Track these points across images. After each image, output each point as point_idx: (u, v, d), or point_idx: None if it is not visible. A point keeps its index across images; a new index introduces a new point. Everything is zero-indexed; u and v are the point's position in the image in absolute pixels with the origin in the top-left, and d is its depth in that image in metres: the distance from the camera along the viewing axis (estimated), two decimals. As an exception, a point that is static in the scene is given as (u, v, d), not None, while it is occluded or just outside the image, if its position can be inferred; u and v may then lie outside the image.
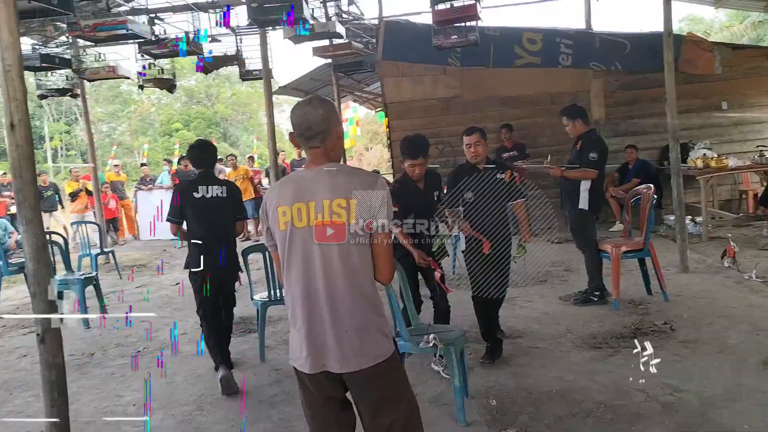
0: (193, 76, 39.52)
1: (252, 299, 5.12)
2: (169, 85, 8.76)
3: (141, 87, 8.72)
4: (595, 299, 5.69)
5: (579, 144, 5.71)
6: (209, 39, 7.23)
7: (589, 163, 5.54)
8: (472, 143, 4.62)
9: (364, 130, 28.76)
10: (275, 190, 2.26)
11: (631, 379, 3.92)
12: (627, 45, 9.78)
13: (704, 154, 8.26)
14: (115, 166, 14.15)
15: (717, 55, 9.55)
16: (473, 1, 6.02)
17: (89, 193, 12.33)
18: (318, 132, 2.20)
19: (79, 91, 8.78)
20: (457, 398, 3.55)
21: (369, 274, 2.21)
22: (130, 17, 5.19)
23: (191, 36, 6.25)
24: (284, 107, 51.46)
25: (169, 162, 14.32)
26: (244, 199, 11.58)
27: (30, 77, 8.64)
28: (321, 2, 5.81)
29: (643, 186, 5.79)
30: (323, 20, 6.71)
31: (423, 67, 10.24)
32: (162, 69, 8.61)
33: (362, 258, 2.18)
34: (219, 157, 15.83)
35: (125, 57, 8.76)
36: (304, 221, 2.15)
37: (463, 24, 7.08)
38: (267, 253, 4.94)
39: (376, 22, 9.83)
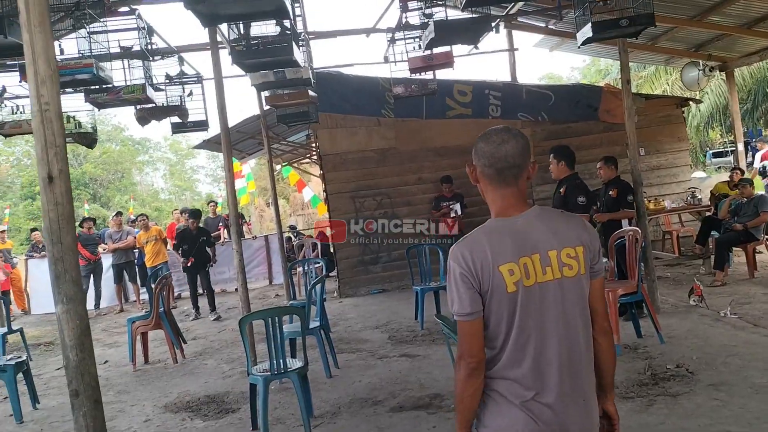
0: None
1: (250, 373, 4.48)
2: (90, 140, 7.88)
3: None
4: None
5: (564, 189, 5.73)
6: (152, 88, 6.60)
7: (578, 207, 5.53)
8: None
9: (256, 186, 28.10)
10: (482, 245, 1.82)
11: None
12: (552, 96, 10.19)
13: (641, 198, 8.62)
14: (1, 232, 12.60)
15: (633, 104, 10.17)
16: (448, 49, 5.92)
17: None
18: (515, 165, 1.88)
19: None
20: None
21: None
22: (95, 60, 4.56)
23: (146, 84, 5.64)
24: (158, 165, 49.69)
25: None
26: (155, 263, 10.84)
27: None
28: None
29: (628, 228, 5.83)
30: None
31: (357, 119, 10.05)
32: (80, 123, 7.75)
33: (588, 309, 1.92)
34: (132, 218, 14.75)
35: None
36: (532, 278, 1.81)
37: (421, 74, 6.98)
38: (270, 319, 4.38)
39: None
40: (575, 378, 1.86)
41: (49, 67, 2.31)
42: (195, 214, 10.02)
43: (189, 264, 9.63)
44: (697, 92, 11.88)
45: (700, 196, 9.03)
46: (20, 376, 5.67)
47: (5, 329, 7.76)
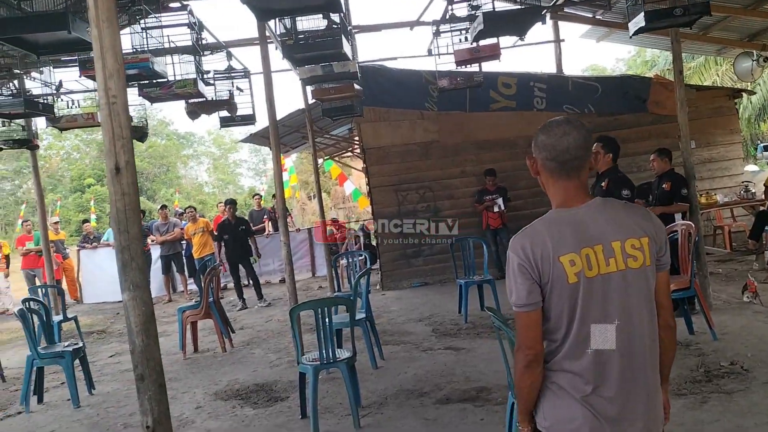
0: (100, 130, 38.02)
1: (299, 362, 4.56)
2: (141, 134, 8.07)
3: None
4: None
5: (606, 182, 5.67)
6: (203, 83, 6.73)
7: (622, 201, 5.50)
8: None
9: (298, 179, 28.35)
10: (542, 235, 1.81)
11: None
12: (599, 88, 10.06)
13: (691, 192, 8.43)
14: (55, 223, 13.01)
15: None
16: (495, 40, 5.88)
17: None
18: (577, 157, 1.86)
19: (38, 143, 7.95)
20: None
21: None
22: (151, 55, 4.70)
23: (197, 79, 5.76)
24: (202, 159, 50.60)
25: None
26: (202, 254, 11.05)
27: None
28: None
29: (681, 222, 5.72)
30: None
31: (400, 112, 10.07)
32: (131, 117, 7.95)
33: (654, 302, 1.88)
34: (178, 210, 15.10)
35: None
36: (595, 269, 1.78)
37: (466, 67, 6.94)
38: (320, 309, 4.43)
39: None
40: (638, 372, 1.83)
41: (116, 61, 2.38)
42: (231, 201, 10.51)
43: (223, 267, 9.87)
44: (750, 83, 11.52)
45: (753, 190, 8.77)
46: (76, 362, 5.87)
47: (60, 317, 8.04)
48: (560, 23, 10.91)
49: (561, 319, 1.82)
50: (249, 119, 8.26)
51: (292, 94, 31.19)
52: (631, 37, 5.73)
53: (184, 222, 12.13)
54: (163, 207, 12.75)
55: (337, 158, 17.84)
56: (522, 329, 1.85)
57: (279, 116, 10.96)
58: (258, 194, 14.75)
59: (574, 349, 1.83)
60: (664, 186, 6.25)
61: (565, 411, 1.84)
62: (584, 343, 1.81)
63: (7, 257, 12.53)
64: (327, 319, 4.41)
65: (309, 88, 7.21)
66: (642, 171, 10.35)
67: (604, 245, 1.79)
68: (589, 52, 57.82)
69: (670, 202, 6.20)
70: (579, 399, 1.82)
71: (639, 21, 5.07)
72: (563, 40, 10.83)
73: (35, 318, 5.88)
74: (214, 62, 7.83)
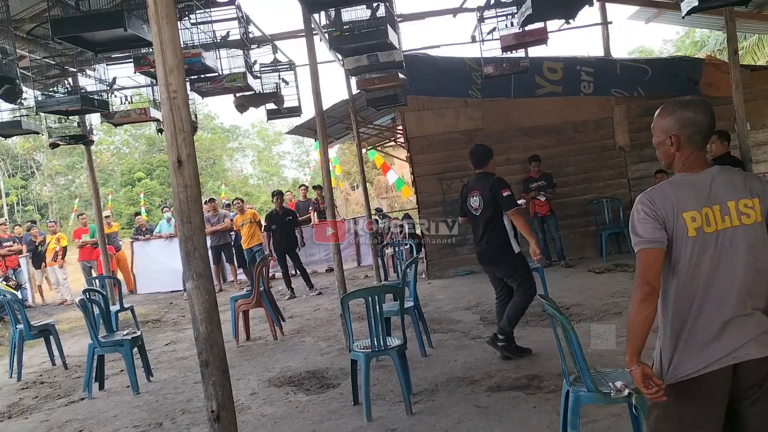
0: (148, 125, 38.82)
1: (351, 350, 4.62)
2: (192, 128, 8.25)
3: (160, 131, 8.21)
4: None
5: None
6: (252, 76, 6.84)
7: None
8: None
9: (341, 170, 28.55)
10: (668, 194, 2.11)
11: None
12: (648, 70, 9.82)
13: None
14: (106, 217, 13.40)
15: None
16: (542, 25, 5.80)
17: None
18: (712, 131, 2.18)
19: (93, 138, 8.21)
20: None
21: None
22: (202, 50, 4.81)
23: (246, 73, 5.85)
24: (247, 152, 51.36)
25: (170, 209, 13.67)
26: (250, 245, 11.23)
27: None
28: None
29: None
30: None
31: (443, 100, 10.03)
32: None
33: (765, 254, 2.13)
34: (226, 201, 15.40)
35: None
36: (713, 226, 2.08)
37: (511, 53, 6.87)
38: (369, 298, 4.48)
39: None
40: (754, 311, 2.08)
41: (175, 56, 2.44)
42: (278, 192, 10.68)
43: (273, 258, 9.98)
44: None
45: (813, 173, 8.46)
46: (135, 351, 6.06)
47: (117, 307, 8.31)
48: (607, 5, 10.66)
49: (686, 266, 2.09)
50: (295, 111, 8.35)
51: (335, 84, 31.39)
52: (684, 17, 5.57)
53: (233, 213, 12.36)
54: (211, 200, 13.00)
55: (379, 148, 17.89)
56: (642, 265, 2.11)
57: (324, 107, 11.06)
58: (304, 185, 14.91)
59: (687, 294, 2.10)
60: None
61: (687, 349, 2.09)
62: (692, 290, 2.09)
63: (64, 249, 12.97)
64: (378, 307, 4.45)
65: (353, 79, 7.23)
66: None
67: (721, 205, 2.08)
68: (635, 35, 56.42)
69: None
70: (696, 338, 2.08)
71: (692, 0, 4.93)
72: (611, 23, 10.59)
73: (95, 308, 6.10)
74: (259, 55, 7.94)
